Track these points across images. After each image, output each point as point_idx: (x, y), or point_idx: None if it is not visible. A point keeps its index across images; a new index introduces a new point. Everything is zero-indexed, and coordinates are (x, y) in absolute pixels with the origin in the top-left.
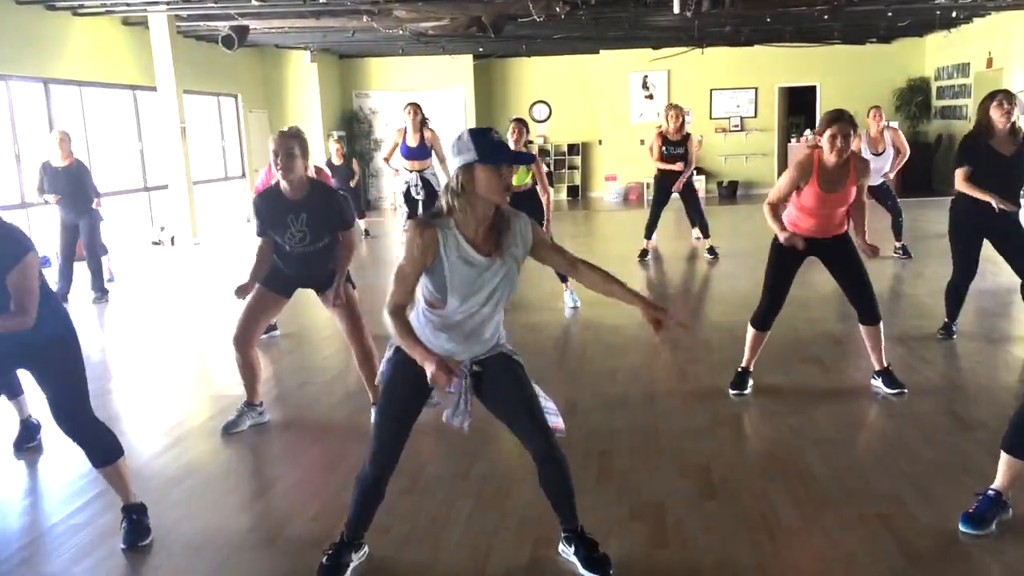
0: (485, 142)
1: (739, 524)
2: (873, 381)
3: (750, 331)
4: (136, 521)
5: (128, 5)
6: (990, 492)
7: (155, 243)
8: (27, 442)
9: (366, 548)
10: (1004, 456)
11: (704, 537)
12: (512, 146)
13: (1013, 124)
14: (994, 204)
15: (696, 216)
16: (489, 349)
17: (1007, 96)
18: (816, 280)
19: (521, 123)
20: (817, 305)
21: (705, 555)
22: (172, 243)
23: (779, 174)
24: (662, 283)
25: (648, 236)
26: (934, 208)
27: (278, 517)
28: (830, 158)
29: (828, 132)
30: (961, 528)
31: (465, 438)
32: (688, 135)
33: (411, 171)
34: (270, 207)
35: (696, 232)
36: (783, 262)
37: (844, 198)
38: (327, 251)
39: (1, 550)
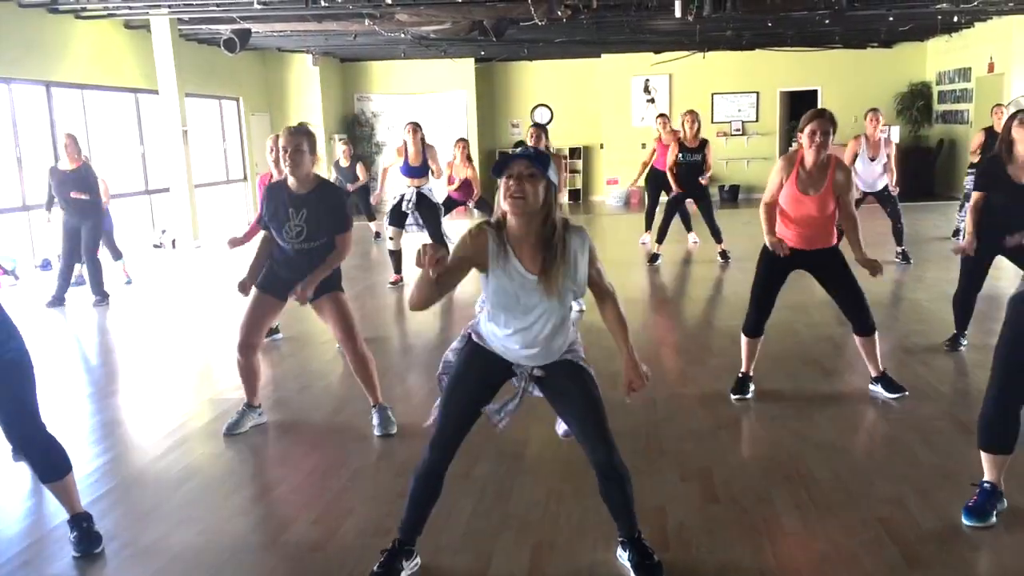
0: (503, 156)
1: (741, 528)
2: (871, 387)
3: (743, 338)
4: (86, 529)
5: (130, 8)
6: (986, 484)
7: (156, 246)
8: None
9: (418, 559)
10: (983, 455)
11: (706, 541)
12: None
13: None
14: (963, 246)
15: (708, 221)
16: (555, 356)
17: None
18: (815, 285)
19: (539, 128)
20: (817, 309)
21: (707, 559)
22: (173, 246)
23: None
24: (661, 286)
25: (659, 240)
26: (935, 213)
27: (278, 520)
28: (809, 155)
29: (808, 128)
30: (964, 522)
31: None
32: (705, 141)
33: (409, 187)
34: (274, 196)
35: (693, 236)
36: (770, 271)
37: (821, 204)
38: (323, 254)
39: (2, 552)
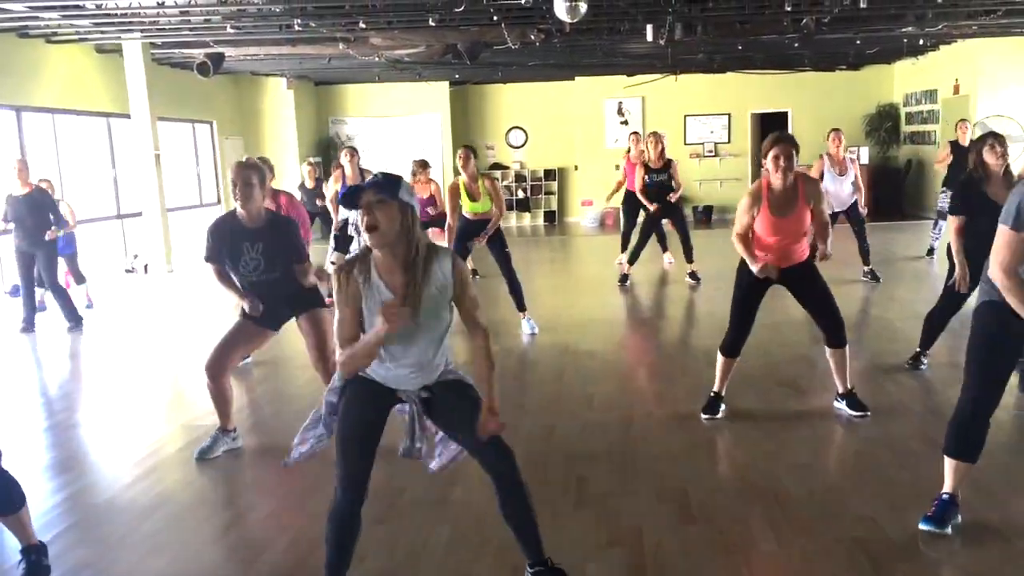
0: (347, 191)
1: (717, 548)
2: (836, 403)
3: (719, 358)
4: (35, 562)
5: (102, 33)
6: (944, 496)
7: (128, 271)
8: None
9: None
10: (948, 460)
11: (682, 562)
12: (463, 173)
13: (1007, 168)
14: (957, 278)
15: (683, 239)
16: (437, 377)
17: (997, 139)
18: (789, 304)
19: (467, 149)
20: (789, 329)
21: None
22: (145, 271)
23: None
24: (637, 307)
25: (631, 261)
26: (905, 232)
27: (252, 547)
28: (776, 180)
29: (771, 154)
30: (922, 527)
31: None
32: (670, 161)
33: (353, 211)
34: (227, 233)
35: (668, 257)
36: (748, 291)
37: (797, 223)
38: (281, 283)
39: None
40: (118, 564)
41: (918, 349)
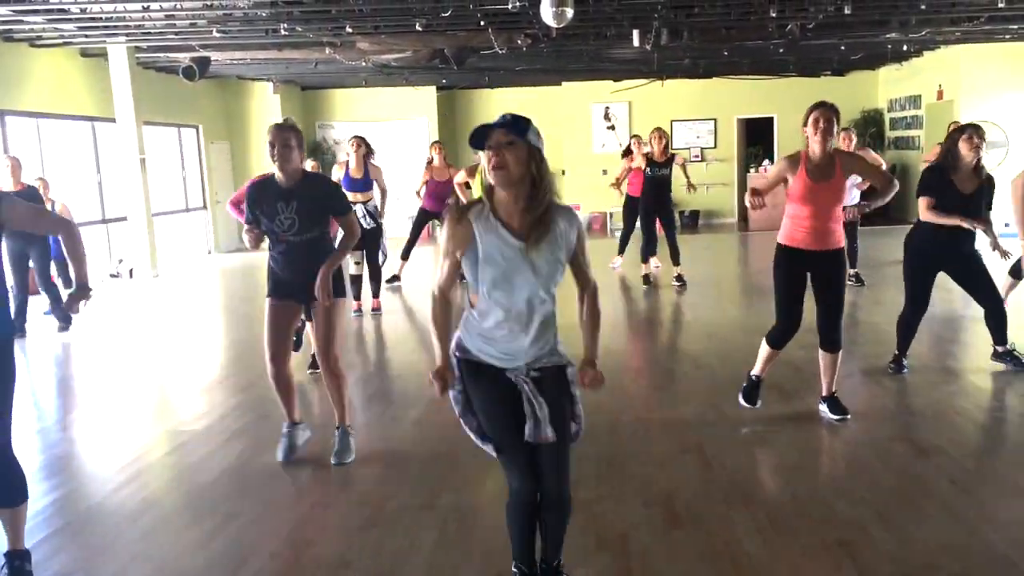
0: (474, 131)
1: (703, 552)
2: (820, 405)
3: (764, 347)
4: (18, 567)
5: (87, 37)
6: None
7: (113, 276)
8: None
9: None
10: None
11: (669, 566)
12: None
13: (978, 161)
14: (965, 225)
15: (670, 240)
16: (546, 355)
17: (977, 131)
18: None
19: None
20: None
21: None
22: (130, 276)
23: (739, 204)
24: (623, 311)
25: (645, 259)
26: (890, 236)
27: (237, 554)
28: (815, 144)
29: (812, 116)
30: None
31: (428, 469)
32: (673, 155)
33: (355, 202)
34: (261, 192)
35: (655, 261)
36: (788, 277)
37: (834, 192)
38: (316, 246)
39: None
40: (102, 570)
41: (897, 352)
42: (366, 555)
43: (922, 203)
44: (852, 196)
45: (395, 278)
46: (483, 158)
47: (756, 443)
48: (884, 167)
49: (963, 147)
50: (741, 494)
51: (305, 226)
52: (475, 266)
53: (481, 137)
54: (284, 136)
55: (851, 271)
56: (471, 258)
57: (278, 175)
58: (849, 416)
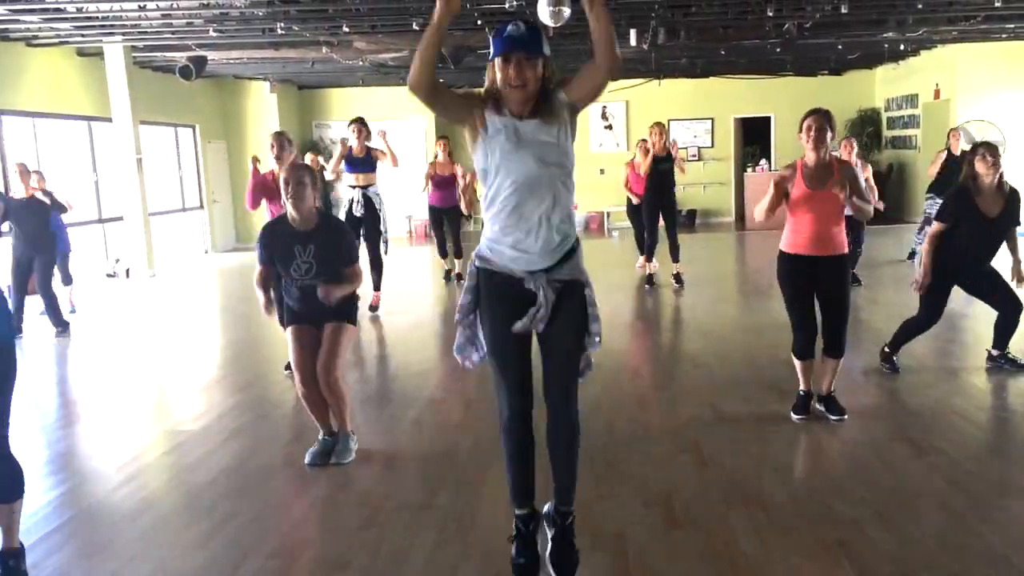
0: (496, 36)
1: (701, 553)
2: (816, 405)
3: (795, 361)
4: (13, 567)
5: (83, 36)
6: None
7: (109, 275)
8: None
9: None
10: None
11: (667, 567)
12: (355, 144)
13: (1000, 179)
14: (915, 282)
15: (671, 237)
16: (565, 265)
17: (989, 148)
18: (772, 307)
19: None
20: (773, 332)
21: None
22: (127, 275)
23: (736, 203)
24: (620, 311)
25: (649, 258)
26: (886, 236)
27: (235, 554)
28: (809, 152)
29: (804, 123)
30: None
31: (427, 469)
32: (672, 149)
33: (355, 186)
34: (279, 237)
35: (642, 260)
36: (794, 287)
37: (833, 197)
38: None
39: None
40: (100, 570)
41: (887, 348)
42: (365, 555)
43: (932, 228)
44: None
45: (450, 274)
46: (494, 69)
47: (755, 443)
48: (873, 186)
49: (980, 167)
50: (740, 494)
51: (321, 271)
52: (485, 153)
53: (500, 50)
54: (299, 175)
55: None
56: (479, 139)
57: (291, 214)
58: (847, 416)
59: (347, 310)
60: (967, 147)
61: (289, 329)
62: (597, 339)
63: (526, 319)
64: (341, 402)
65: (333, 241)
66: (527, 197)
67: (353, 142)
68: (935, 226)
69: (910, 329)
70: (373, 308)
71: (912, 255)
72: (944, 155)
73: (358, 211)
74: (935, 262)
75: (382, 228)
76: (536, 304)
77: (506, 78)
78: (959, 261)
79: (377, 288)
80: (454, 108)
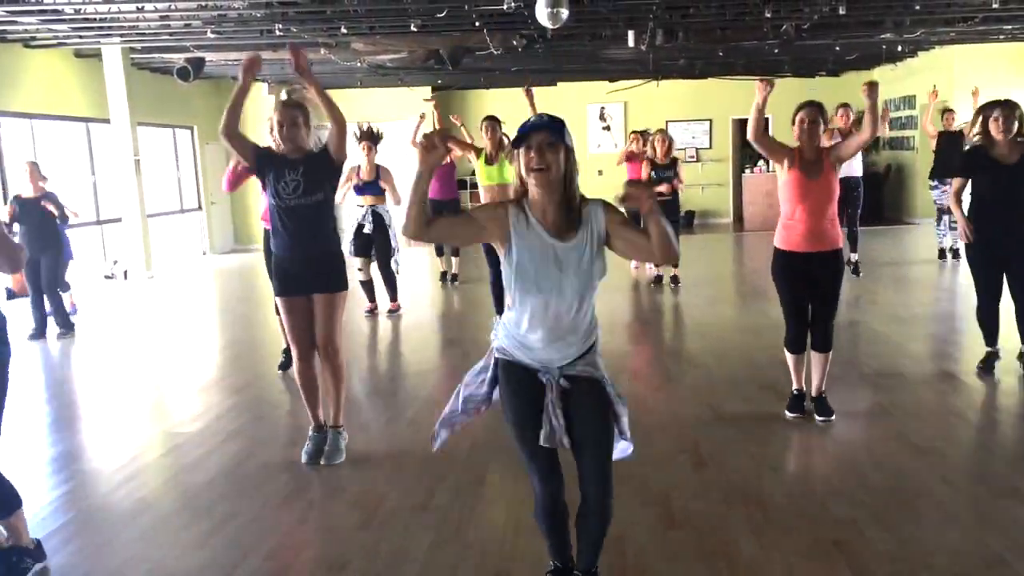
0: (519, 130)
1: (699, 553)
2: (806, 404)
3: (788, 356)
4: (15, 564)
5: (81, 38)
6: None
7: (107, 277)
8: None
9: None
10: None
11: (665, 567)
12: (488, 146)
13: (1017, 133)
14: (966, 232)
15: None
16: (581, 362)
17: (1003, 108)
18: (770, 308)
19: (492, 120)
20: (771, 333)
21: None
22: (125, 277)
23: (734, 204)
24: (618, 311)
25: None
26: (885, 237)
27: (232, 555)
28: (802, 144)
29: (797, 116)
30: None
31: (425, 470)
32: (676, 159)
33: (363, 207)
34: (267, 157)
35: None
36: (788, 281)
37: (825, 188)
38: (320, 212)
39: None
40: (99, 570)
41: (988, 348)
42: (363, 555)
43: (955, 183)
44: (853, 167)
45: (446, 276)
46: (519, 159)
47: (753, 443)
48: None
49: (992, 128)
50: (738, 494)
51: (311, 189)
52: (509, 264)
53: (524, 137)
54: (292, 115)
55: (853, 257)
56: (507, 251)
57: (285, 150)
58: (834, 417)
59: (336, 279)
60: (963, 125)
61: (278, 302)
62: (627, 434)
63: (546, 428)
64: (340, 379)
65: (322, 162)
66: (556, 304)
67: (363, 164)
68: (955, 182)
69: (980, 318)
70: (392, 312)
71: (942, 255)
72: (938, 135)
73: (368, 228)
74: (967, 217)
75: (393, 245)
76: (544, 408)
77: (527, 161)
78: (989, 213)
79: (393, 299)
80: (464, 235)
